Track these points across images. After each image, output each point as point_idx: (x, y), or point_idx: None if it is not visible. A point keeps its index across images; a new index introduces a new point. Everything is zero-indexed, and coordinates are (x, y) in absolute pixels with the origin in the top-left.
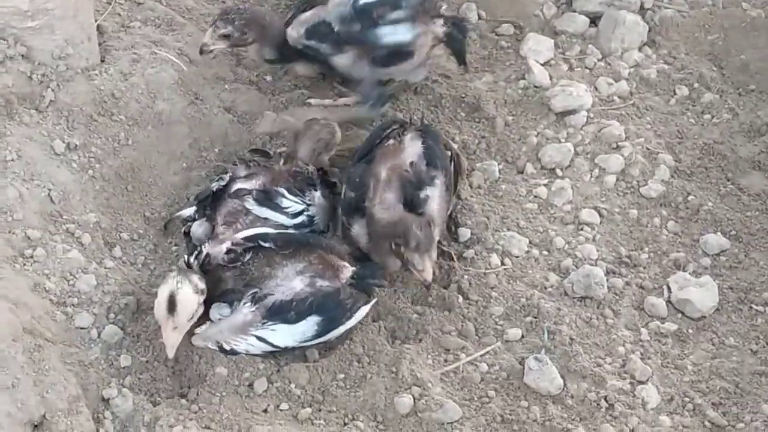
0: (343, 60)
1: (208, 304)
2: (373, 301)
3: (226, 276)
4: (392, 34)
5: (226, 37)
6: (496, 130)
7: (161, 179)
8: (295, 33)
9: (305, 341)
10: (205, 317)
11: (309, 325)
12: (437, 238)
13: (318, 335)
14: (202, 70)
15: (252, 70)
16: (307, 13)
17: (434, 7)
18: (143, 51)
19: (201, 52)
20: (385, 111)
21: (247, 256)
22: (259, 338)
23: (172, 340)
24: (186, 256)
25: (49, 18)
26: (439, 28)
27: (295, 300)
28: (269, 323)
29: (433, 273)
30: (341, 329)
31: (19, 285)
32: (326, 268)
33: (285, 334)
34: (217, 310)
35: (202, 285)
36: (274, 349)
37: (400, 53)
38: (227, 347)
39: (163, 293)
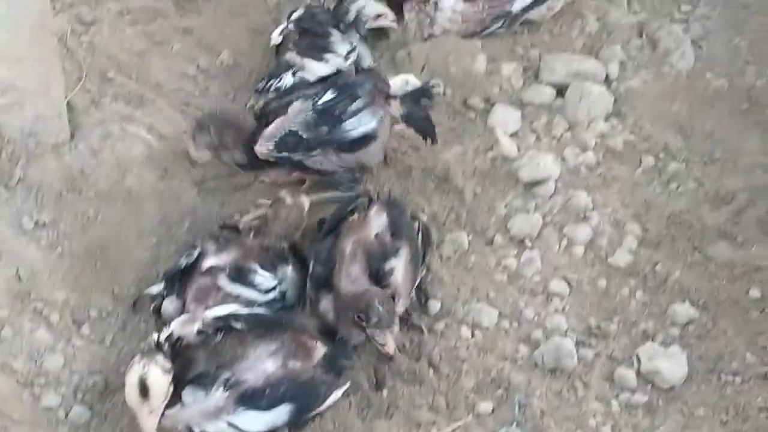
0: (314, 159)
1: (178, 383)
2: (346, 385)
3: (198, 356)
4: (358, 125)
5: (208, 147)
6: (465, 201)
7: (130, 255)
8: (264, 149)
9: (276, 427)
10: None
11: (281, 412)
12: (401, 310)
13: (290, 422)
14: (172, 145)
15: None
16: (271, 127)
17: (386, 86)
18: (113, 127)
19: (193, 165)
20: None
21: (218, 337)
22: (230, 424)
23: (149, 424)
24: (155, 336)
25: (19, 95)
26: (395, 109)
27: (267, 386)
28: (241, 409)
29: (400, 346)
30: (313, 413)
31: None
32: (299, 348)
33: (256, 421)
34: (192, 394)
35: (168, 364)
36: None
37: (364, 138)
38: (197, 430)
39: (131, 380)
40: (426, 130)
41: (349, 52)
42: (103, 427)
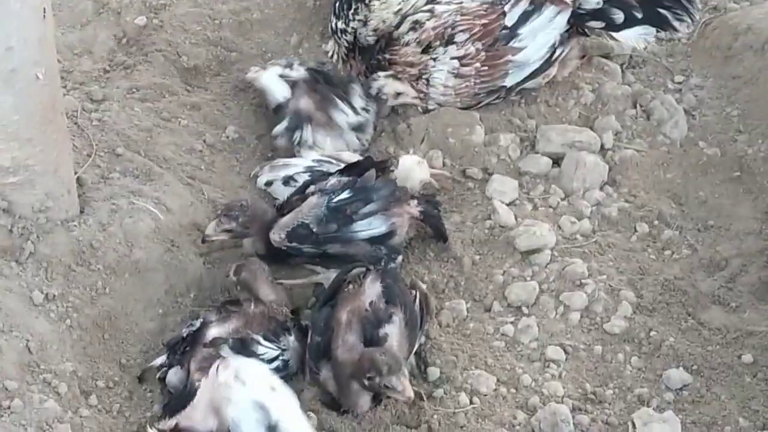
0: (333, 248)
1: None
2: None
3: None
4: (367, 228)
5: (228, 231)
6: (463, 270)
7: (137, 326)
8: (277, 237)
9: None
10: None
11: None
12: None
13: None
14: (178, 218)
15: None
16: (286, 218)
17: (405, 195)
18: (122, 201)
19: (203, 242)
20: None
21: None
22: None
23: None
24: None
25: (30, 174)
26: (413, 208)
27: None
28: None
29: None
30: None
31: None
32: None
33: None
34: None
35: None
36: None
37: (381, 237)
38: None
39: None
40: (439, 230)
41: (362, 109)
42: None
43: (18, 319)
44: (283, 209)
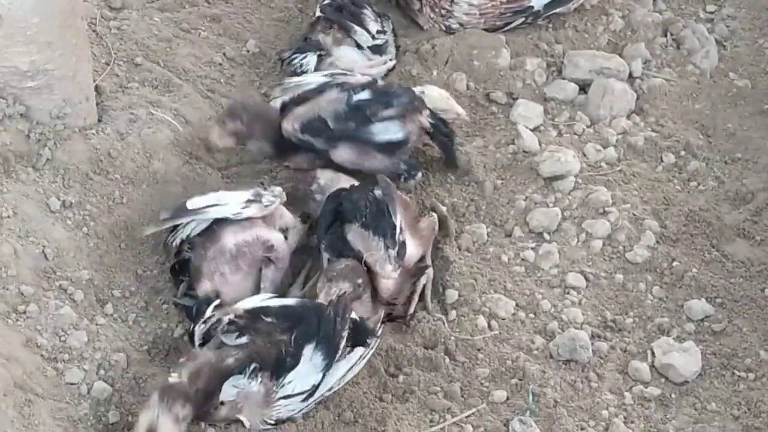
0: (340, 154)
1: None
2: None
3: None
4: (384, 132)
5: (234, 134)
6: (485, 194)
7: (154, 237)
8: (290, 127)
9: None
10: None
11: None
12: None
13: None
14: (197, 131)
15: None
16: (302, 108)
17: (422, 104)
18: (140, 111)
19: (212, 151)
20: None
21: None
22: None
23: None
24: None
25: (48, 78)
26: (425, 119)
27: None
28: None
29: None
30: None
31: (11, 340)
32: None
33: None
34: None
35: (184, 411)
36: None
37: (395, 144)
38: None
39: (142, 423)
40: (447, 150)
41: (378, 32)
42: (124, 403)
43: (34, 225)
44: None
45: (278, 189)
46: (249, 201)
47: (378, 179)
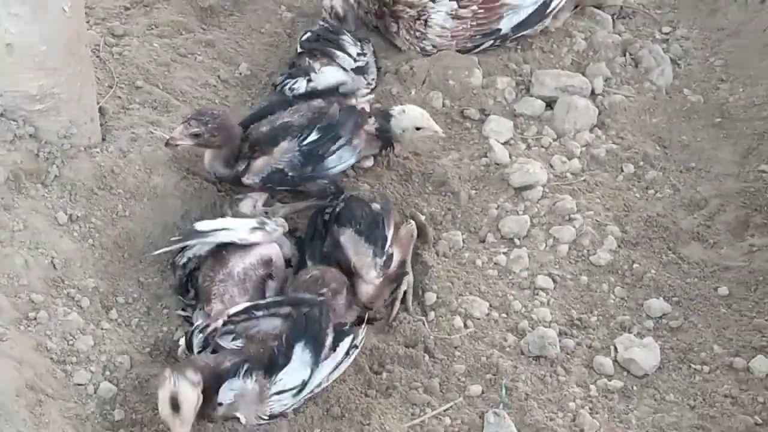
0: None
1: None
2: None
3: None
4: (338, 162)
5: (195, 135)
6: (460, 203)
7: (155, 248)
8: (250, 182)
9: None
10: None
11: None
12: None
13: None
14: (194, 148)
15: None
16: (258, 162)
17: (364, 117)
18: (141, 131)
19: (167, 145)
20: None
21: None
22: None
23: None
24: (184, 338)
25: (56, 101)
26: (370, 126)
27: None
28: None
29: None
30: None
31: (23, 345)
32: None
33: None
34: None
35: (197, 377)
36: None
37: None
38: None
39: (164, 395)
40: (389, 142)
41: (358, 54)
42: (128, 402)
43: (44, 237)
44: (248, 129)
45: (281, 220)
46: (254, 228)
47: (379, 196)
